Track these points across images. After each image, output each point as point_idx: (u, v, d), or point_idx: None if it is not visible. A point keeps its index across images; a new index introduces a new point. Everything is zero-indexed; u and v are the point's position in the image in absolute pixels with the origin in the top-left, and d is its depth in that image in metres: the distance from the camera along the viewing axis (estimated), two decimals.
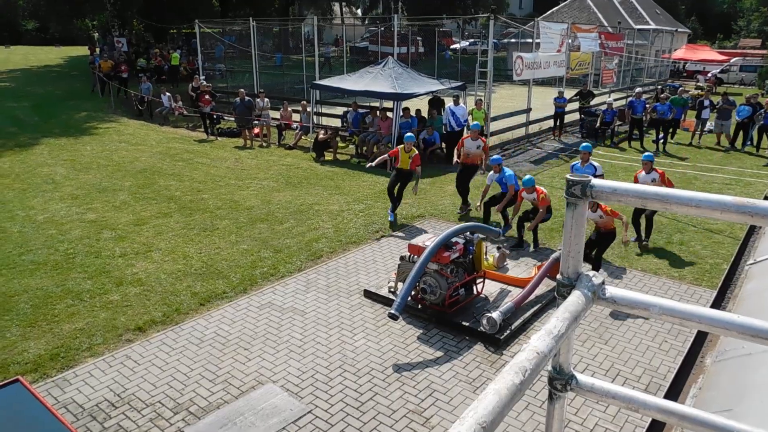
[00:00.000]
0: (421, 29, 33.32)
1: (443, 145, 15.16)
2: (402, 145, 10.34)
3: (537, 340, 1.25)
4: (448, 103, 15.01)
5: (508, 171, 9.61)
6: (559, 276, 1.55)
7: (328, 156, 15.36)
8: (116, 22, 44.13)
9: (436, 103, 16.07)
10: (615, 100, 20.27)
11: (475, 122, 11.82)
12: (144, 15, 37.78)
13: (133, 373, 5.93)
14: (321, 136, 15.39)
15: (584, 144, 9.73)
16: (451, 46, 43.28)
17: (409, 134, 10.70)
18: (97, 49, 29.24)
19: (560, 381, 1.53)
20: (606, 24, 30.28)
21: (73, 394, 5.57)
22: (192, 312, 7.17)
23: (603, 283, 1.51)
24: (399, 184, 10.47)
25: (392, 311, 6.56)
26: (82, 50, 34.21)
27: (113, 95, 23.24)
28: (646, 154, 9.28)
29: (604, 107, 18.43)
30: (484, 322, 6.60)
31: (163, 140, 17.40)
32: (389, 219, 10.38)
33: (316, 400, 5.55)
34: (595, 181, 1.44)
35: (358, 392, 5.69)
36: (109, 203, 11.24)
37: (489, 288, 7.68)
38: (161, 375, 5.91)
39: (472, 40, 41.36)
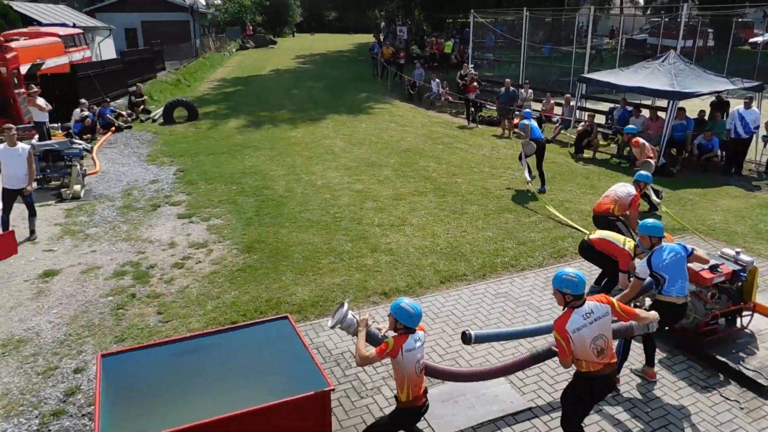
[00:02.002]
0: (713, 20, 28.96)
1: (722, 152, 13.30)
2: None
3: None
4: (736, 105, 13.05)
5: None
6: None
7: (587, 154, 14.66)
8: (401, 12, 48.01)
9: (720, 105, 14.10)
10: None
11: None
12: (426, 6, 40.32)
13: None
14: (580, 127, 14.80)
15: (649, 222, 5.61)
16: (751, 39, 37.17)
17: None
18: (381, 36, 32.16)
19: None
20: None
21: (324, 340, 6.41)
22: (432, 288, 7.62)
23: None
24: None
25: None
26: (369, 38, 38.05)
27: (390, 79, 25.44)
28: None
29: None
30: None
31: (428, 123, 18.52)
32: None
33: (537, 399, 5.48)
34: None
35: None
36: (374, 177, 12.46)
37: (759, 324, 6.60)
38: None
39: None
